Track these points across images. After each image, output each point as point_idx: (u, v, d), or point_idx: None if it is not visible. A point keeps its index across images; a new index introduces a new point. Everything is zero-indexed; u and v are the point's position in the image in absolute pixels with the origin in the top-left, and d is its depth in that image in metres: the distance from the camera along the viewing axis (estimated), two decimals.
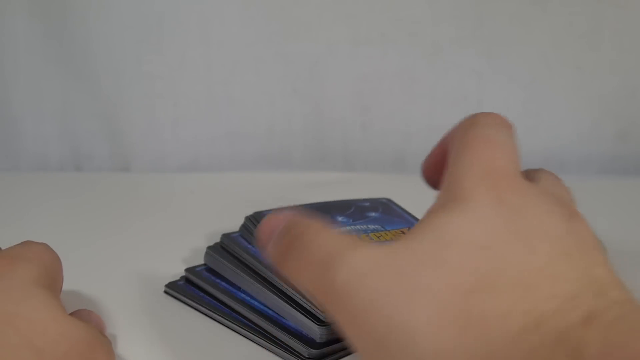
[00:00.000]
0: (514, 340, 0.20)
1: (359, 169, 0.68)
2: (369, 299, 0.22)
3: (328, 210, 0.42)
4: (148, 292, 0.40)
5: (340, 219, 0.40)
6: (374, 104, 0.67)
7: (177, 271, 0.41)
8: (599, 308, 0.20)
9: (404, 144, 0.68)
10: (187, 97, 0.66)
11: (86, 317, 0.33)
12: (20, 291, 0.28)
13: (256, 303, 0.36)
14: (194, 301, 0.38)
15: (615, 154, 0.68)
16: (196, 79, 0.65)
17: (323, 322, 0.32)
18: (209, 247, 0.40)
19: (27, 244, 0.32)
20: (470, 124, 0.28)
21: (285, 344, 0.33)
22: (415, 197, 0.48)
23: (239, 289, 0.37)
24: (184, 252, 0.45)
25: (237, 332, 0.35)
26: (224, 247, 0.39)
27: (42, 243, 0.33)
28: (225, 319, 0.36)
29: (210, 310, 0.37)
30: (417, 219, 0.42)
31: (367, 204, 0.44)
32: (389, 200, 0.45)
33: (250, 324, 0.35)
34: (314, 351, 0.32)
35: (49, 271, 0.30)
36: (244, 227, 0.40)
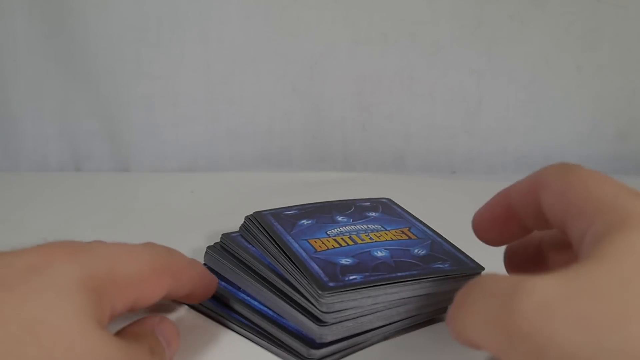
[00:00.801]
0: None
1: (358, 169, 0.68)
2: (564, 326, 0.21)
3: (328, 210, 0.42)
4: None
5: (340, 218, 0.41)
6: (374, 104, 0.67)
7: None
8: None
9: (404, 144, 0.68)
10: (186, 97, 0.66)
11: (148, 327, 0.29)
12: (54, 292, 0.24)
13: (256, 303, 0.36)
14: None
15: (615, 154, 0.68)
16: (196, 78, 0.65)
17: (322, 322, 0.32)
18: (208, 247, 0.40)
19: (97, 242, 0.28)
20: (562, 170, 0.27)
21: (285, 343, 0.33)
22: (415, 197, 0.48)
23: (238, 288, 0.37)
24: (184, 251, 0.45)
25: (236, 331, 0.35)
26: (224, 247, 0.39)
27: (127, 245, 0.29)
28: (225, 319, 0.36)
29: (209, 310, 0.37)
30: (417, 219, 0.42)
31: (368, 203, 0.44)
32: (390, 200, 0.45)
33: (249, 323, 0.35)
34: (313, 351, 0.32)
35: (103, 270, 0.27)
36: (243, 227, 0.40)
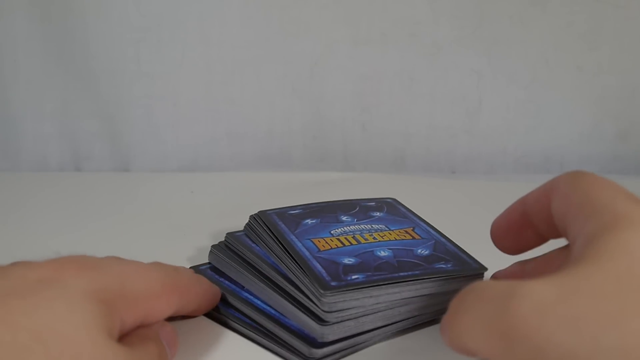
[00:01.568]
0: None
1: (358, 169, 0.68)
2: (562, 326, 0.21)
3: (333, 209, 0.42)
4: None
5: (344, 218, 0.41)
6: (374, 104, 0.67)
7: None
8: None
9: (404, 144, 0.68)
10: (186, 97, 0.66)
11: (153, 332, 0.29)
12: (64, 302, 0.25)
13: (259, 302, 0.36)
14: None
15: (615, 154, 0.68)
16: (196, 79, 0.65)
17: (324, 321, 0.32)
18: (213, 246, 0.40)
19: (109, 259, 0.29)
20: (573, 176, 0.28)
21: (287, 342, 0.33)
22: (415, 197, 0.48)
23: (242, 287, 0.37)
24: (184, 251, 0.45)
25: (237, 330, 0.35)
26: (229, 246, 0.39)
27: (137, 263, 0.30)
28: (228, 318, 0.36)
29: (213, 308, 0.37)
30: (422, 219, 0.42)
31: (372, 203, 0.44)
32: (395, 200, 0.45)
33: (251, 322, 0.35)
34: (314, 350, 0.32)
35: (113, 285, 0.27)
36: (248, 226, 0.40)
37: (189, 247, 0.45)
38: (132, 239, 0.48)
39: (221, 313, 0.36)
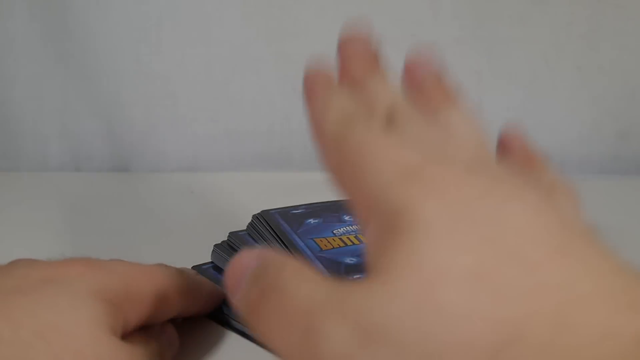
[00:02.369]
0: None
1: None
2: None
3: (336, 209, 0.42)
4: None
5: (347, 217, 0.41)
6: None
7: None
8: None
9: None
10: (186, 96, 0.66)
11: (155, 330, 0.30)
12: (67, 299, 0.25)
13: None
14: None
15: (615, 154, 0.68)
16: (196, 78, 0.65)
17: None
18: (216, 245, 0.40)
19: (114, 261, 0.29)
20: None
21: None
22: None
23: None
24: (184, 251, 0.45)
25: (237, 329, 0.35)
26: (231, 246, 0.39)
27: (138, 265, 0.29)
28: (230, 317, 0.36)
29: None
30: None
31: None
32: None
33: None
34: None
35: (118, 285, 0.27)
36: (251, 225, 0.40)
37: (189, 247, 0.45)
38: (132, 238, 0.48)
39: (223, 313, 0.36)
